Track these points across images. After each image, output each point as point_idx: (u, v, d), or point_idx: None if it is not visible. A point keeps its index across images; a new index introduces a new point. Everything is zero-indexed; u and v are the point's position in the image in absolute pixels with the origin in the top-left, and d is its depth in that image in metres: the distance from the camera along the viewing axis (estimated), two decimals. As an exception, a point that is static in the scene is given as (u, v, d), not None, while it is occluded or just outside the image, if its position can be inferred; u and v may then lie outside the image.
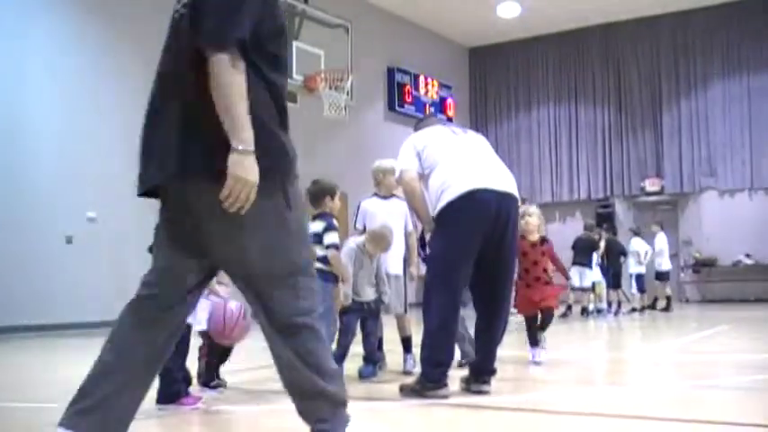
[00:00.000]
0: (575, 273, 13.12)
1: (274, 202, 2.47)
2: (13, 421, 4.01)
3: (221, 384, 4.77)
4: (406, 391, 4.35)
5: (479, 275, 4.45)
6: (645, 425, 3.43)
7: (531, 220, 5.87)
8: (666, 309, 14.51)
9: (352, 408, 4.10)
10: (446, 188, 4.28)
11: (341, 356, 5.14)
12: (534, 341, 5.77)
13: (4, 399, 4.74)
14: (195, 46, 2.41)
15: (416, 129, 4.90)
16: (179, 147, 2.45)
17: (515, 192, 4.46)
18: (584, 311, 13.11)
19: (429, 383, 4.23)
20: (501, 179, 4.41)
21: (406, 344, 5.60)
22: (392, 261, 5.65)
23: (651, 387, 4.71)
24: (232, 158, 2.34)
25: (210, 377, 4.80)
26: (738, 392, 4.48)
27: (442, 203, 4.29)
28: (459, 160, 4.42)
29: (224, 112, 2.36)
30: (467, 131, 4.78)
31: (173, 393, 4.02)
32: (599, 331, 10.50)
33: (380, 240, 5.14)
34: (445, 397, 4.20)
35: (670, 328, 10.60)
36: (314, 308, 2.59)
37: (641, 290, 14.65)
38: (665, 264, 14.93)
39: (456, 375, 4.51)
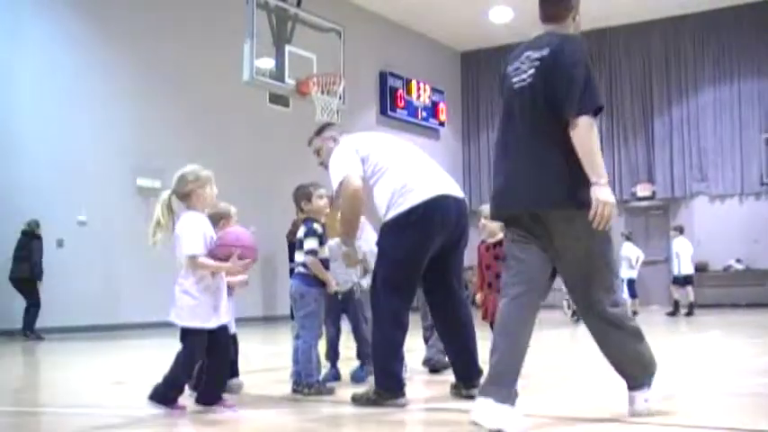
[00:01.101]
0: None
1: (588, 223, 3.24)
2: (6, 427, 3.98)
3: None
4: (362, 401, 4.14)
5: (436, 282, 4.33)
6: (643, 429, 3.41)
7: (489, 222, 5.21)
8: (690, 313, 14.47)
9: (350, 411, 4.11)
10: (407, 192, 4.12)
11: (334, 356, 5.21)
12: None
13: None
14: (570, 111, 3.21)
15: (324, 132, 4.73)
16: (548, 183, 3.30)
17: (464, 196, 4.42)
18: (575, 315, 13.10)
19: (386, 393, 4.07)
20: (453, 184, 4.36)
21: None
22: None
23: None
24: (597, 190, 3.19)
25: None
26: (738, 397, 4.45)
27: (402, 208, 4.11)
28: (413, 165, 4.31)
29: (587, 158, 3.21)
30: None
31: (168, 398, 3.97)
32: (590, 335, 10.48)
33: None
34: (404, 405, 4.07)
35: (663, 333, 10.61)
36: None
37: (633, 295, 14.66)
38: (684, 268, 14.95)
39: (447, 380, 4.50)
